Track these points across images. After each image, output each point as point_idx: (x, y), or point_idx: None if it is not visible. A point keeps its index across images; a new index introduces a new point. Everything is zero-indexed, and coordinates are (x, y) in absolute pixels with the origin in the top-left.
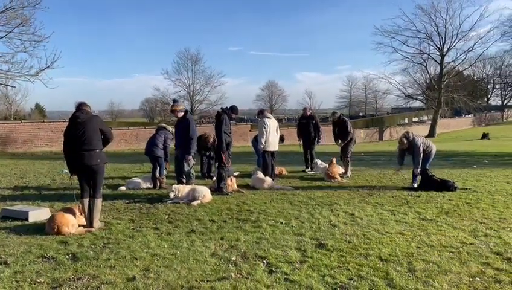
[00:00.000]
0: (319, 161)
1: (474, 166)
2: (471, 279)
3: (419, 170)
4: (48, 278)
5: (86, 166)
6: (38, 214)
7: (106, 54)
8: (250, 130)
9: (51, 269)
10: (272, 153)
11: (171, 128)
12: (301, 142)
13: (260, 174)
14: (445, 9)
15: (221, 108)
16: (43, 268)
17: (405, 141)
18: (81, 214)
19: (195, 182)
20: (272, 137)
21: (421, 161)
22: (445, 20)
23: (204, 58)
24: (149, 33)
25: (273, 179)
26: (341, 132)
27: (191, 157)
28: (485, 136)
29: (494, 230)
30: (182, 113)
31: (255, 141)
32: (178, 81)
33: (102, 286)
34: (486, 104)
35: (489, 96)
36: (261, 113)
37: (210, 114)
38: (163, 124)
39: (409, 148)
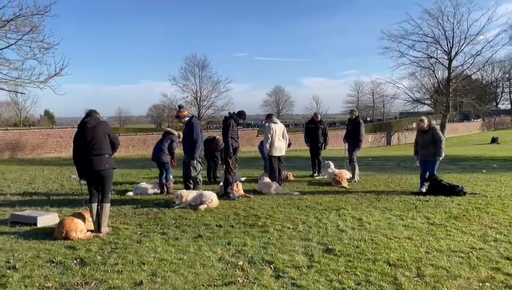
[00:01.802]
0: (331, 164)
1: (484, 170)
2: (480, 284)
3: (441, 157)
4: (56, 283)
5: (94, 171)
6: (47, 219)
7: (114, 61)
8: (257, 136)
9: (59, 273)
10: (279, 158)
11: (177, 133)
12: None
13: (267, 179)
14: (453, 13)
15: (229, 113)
16: (51, 273)
17: (426, 121)
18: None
19: (202, 187)
20: (278, 142)
21: (443, 147)
22: (453, 24)
23: (211, 64)
24: (156, 40)
25: (280, 184)
26: (352, 133)
27: (195, 161)
28: (494, 140)
29: (504, 235)
30: (187, 119)
31: (262, 146)
32: (185, 87)
33: None
34: (495, 108)
35: (498, 100)
36: (268, 117)
37: (217, 119)
38: (169, 129)
39: (426, 133)
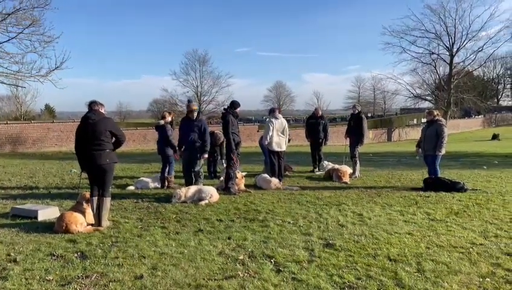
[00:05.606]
0: (325, 162)
1: (484, 167)
2: (481, 279)
3: (441, 153)
4: (56, 276)
5: (95, 165)
6: (48, 212)
7: (115, 56)
8: (257, 131)
9: (59, 267)
10: (279, 153)
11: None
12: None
13: (267, 175)
14: (455, 9)
15: (224, 109)
16: (52, 266)
17: (435, 113)
18: (87, 203)
19: (203, 182)
20: (277, 137)
21: (445, 143)
22: (455, 20)
23: (211, 60)
24: (157, 34)
25: (280, 180)
26: (354, 128)
27: (206, 156)
28: (495, 137)
29: (505, 231)
30: (196, 114)
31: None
32: (186, 82)
33: (111, 284)
34: (497, 105)
35: (499, 96)
36: (271, 112)
37: (218, 114)
38: (158, 122)
39: (431, 124)
